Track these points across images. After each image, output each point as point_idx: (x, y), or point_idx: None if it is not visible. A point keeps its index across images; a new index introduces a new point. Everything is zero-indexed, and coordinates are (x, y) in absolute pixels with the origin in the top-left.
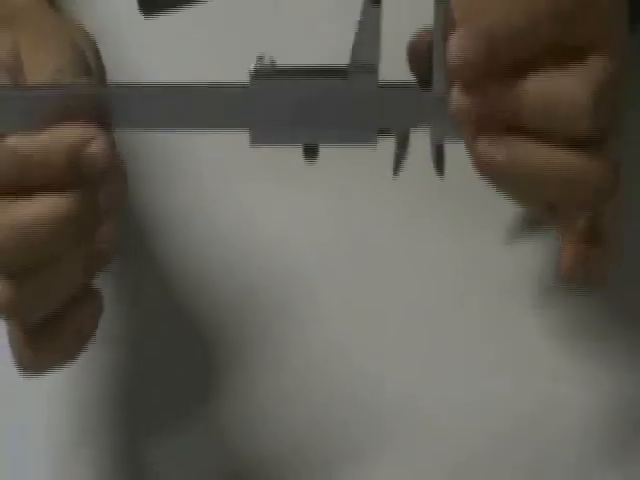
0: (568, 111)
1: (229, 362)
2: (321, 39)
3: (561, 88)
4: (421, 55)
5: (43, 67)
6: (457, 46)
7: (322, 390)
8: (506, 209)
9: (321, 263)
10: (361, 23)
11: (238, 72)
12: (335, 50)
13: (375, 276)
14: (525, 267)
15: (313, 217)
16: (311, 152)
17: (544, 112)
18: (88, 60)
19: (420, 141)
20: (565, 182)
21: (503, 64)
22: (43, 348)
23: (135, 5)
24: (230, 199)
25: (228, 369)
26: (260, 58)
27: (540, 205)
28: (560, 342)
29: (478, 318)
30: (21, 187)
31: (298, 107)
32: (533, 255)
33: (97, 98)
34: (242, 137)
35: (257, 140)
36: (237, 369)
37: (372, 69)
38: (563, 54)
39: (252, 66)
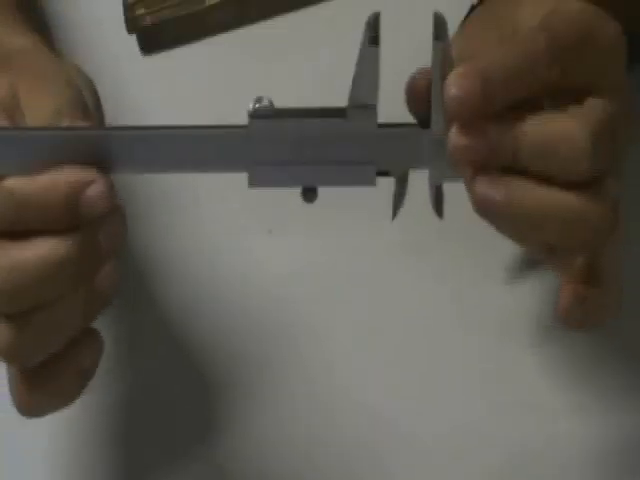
0: (567, 153)
1: (227, 402)
2: (320, 81)
3: (560, 130)
4: (419, 95)
5: (41, 109)
6: (454, 86)
7: (321, 429)
8: (505, 249)
9: (320, 303)
10: (359, 63)
11: (237, 110)
12: (334, 92)
13: (373, 315)
14: (524, 306)
15: (312, 257)
16: (310, 193)
17: (542, 153)
18: (86, 100)
19: (420, 182)
20: (564, 222)
21: (501, 104)
22: (42, 390)
23: (134, 44)
24: (229, 239)
25: (226, 409)
26: (258, 99)
27: (539, 245)
28: (559, 380)
29: (477, 357)
30: (19, 229)
31: (296, 148)
32: (532, 294)
33: (95, 141)
34: (241, 177)
35: (255, 182)
36: (235, 408)
37: (371, 109)
38: (562, 95)
39: (250, 107)
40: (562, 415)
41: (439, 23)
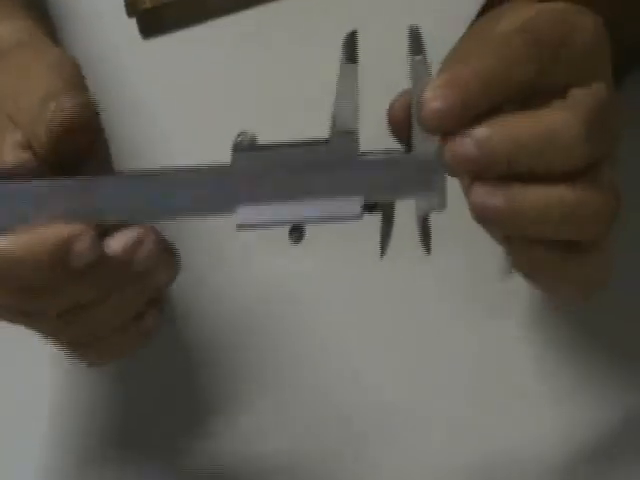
0: (561, 144)
1: (224, 399)
2: (322, 67)
3: (551, 122)
4: (402, 119)
5: (30, 94)
6: (430, 98)
7: (315, 428)
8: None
9: (318, 302)
10: (339, 83)
11: (237, 94)
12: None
13: (367, 315)
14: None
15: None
16: (296, 233)
17: (538, 149)
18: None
19: None
20: (564, 216)
21: (485, 107)
22: (90, 351)
23: (134, 28)
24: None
25: (223, 407)
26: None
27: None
28: (554, 380)
29: (476, 356)
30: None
31: (280, 181)
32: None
33: (78, 189)
34: None
35: (242, 223)
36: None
37: (353, 135)
38: (549, 91)
39: (233, 141)
40: (553, 410)
41: (415, 37)
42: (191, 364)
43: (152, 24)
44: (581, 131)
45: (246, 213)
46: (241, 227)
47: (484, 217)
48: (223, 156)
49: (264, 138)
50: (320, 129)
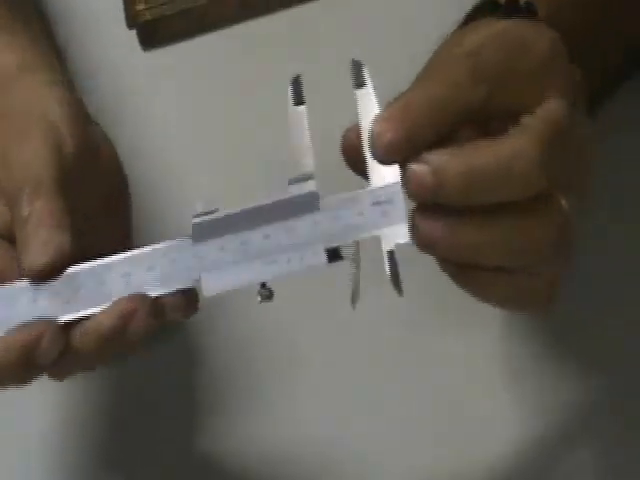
0: (519, 172)
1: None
2: (322, 77)
3: (507, 152)
4: (355, 150)
5: (9, 183)
6: (379, 130)
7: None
8: None
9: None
10: (289, 127)
11: (236, 106)
12: (336, 88)
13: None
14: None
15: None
16: (265, 292)
17: (496, 179)
18: (66, 148)
19: None
20: (503, 250)
21: (433, 134)
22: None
23: (135, 40)
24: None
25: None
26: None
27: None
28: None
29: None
30: None
31: (242, 243)
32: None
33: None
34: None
35: (211, 287)
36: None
37: (310, 178)
38: (505, 115)
39: (193, 211)
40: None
41: (357, 70)
42: (189, 372)
43: (152, 36)
44: (535, 156)
45: (211, 280)
46: (209, 291)
47: (422, 244)
48: (221, 169)
49: (268, 146)
50: (318, 133)
